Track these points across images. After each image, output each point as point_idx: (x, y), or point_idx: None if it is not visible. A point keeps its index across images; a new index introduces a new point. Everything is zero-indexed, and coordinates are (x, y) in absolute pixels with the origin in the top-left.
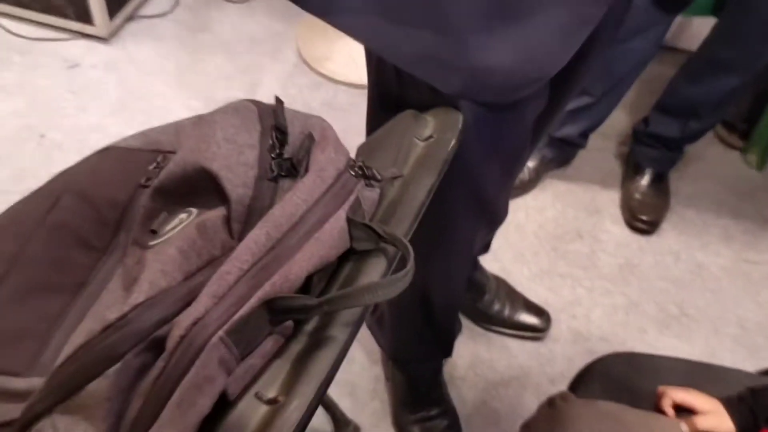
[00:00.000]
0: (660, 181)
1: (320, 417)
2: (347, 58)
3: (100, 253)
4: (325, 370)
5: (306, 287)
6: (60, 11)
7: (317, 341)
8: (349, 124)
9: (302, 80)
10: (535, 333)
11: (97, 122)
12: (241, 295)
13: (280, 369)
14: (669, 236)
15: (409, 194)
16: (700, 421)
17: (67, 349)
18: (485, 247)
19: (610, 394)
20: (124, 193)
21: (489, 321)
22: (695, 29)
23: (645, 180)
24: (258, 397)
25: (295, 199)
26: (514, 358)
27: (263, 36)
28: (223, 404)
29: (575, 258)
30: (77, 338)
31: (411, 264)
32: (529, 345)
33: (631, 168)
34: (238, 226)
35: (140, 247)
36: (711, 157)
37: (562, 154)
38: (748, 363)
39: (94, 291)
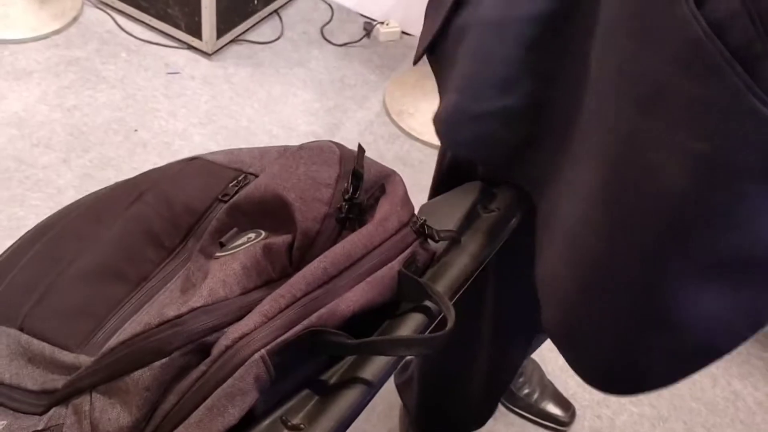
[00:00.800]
0: None
1: None
2: (429, 118)
3: (167, 253)
4: (350, 409)
5: (347, 327)
6: (173, 21)
7: (347, 380)
8: (417, 181)
9: (381, 130)
10: (558, 426)
11: (183, 129)
12: (290, 320)
13: (308, 399)
14: None
15: (462, 260)
16: None
17: (122, 336)
18: None
19: None
20: (202, 203)
21: (515, 402)
22: None
23: None
24: (282, 420)
25: (356, 241)
26: None
27: (354, 82)
28: (248, 420)
29: None
30: (133, 327)
31: (450, 326)
32: None
33: None
34: (299, 255)
35: (205, 256)
36: None
37: None
38: None
39: (154, 287)
